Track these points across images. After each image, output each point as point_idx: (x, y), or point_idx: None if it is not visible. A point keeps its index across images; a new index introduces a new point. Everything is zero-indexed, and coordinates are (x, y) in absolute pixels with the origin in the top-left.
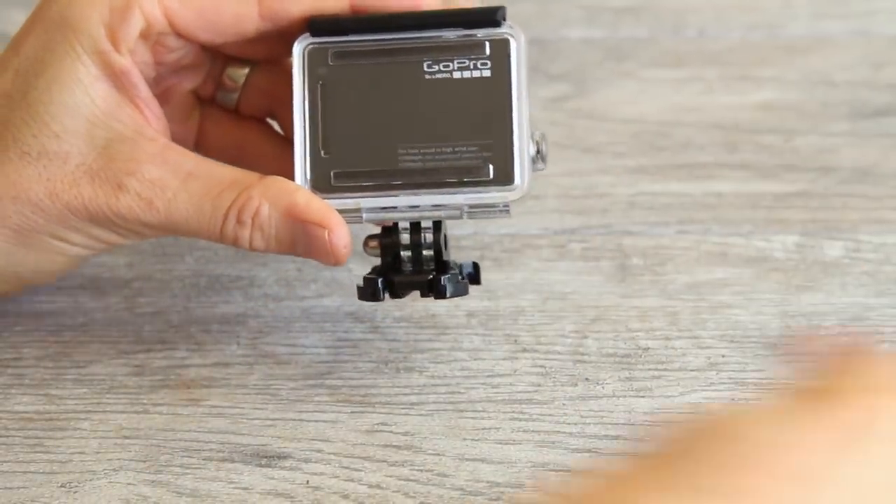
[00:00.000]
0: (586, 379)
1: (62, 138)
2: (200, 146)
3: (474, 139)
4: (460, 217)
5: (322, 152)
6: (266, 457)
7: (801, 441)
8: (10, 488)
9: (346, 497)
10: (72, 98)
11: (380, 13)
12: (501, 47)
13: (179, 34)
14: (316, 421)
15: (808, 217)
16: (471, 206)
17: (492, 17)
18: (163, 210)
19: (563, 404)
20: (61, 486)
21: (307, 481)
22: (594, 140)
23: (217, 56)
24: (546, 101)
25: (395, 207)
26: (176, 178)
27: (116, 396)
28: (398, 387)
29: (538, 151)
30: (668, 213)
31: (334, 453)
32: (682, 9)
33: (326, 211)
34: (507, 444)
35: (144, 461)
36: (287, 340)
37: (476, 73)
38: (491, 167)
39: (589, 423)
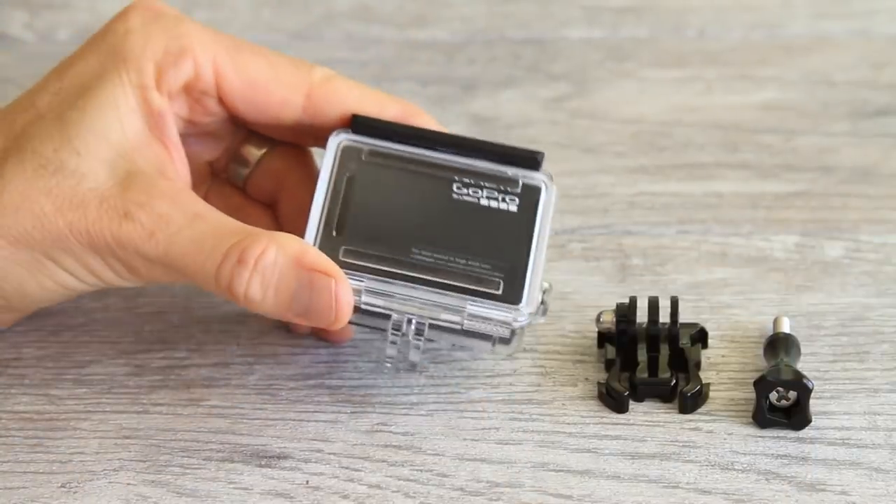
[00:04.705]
0: (586, 379)
1: (82, 157)
2: None
3: (490, 261)
4: (459, 323)
5: (334, 233)
6: (266, 457)
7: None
8: (10, 488)
9: (345, 497)
10: (103, 121)
11: (423, 128)
12: (533, 192)
13: (222, 99)
14: (316, 421)
15: (808, 217)
16: (472, 316)
17: (531, 160)
18: (163, 242)
19: (563, 404)
20: (61, 486)
21: (307, 481)
22: (594, 140)
23: (239, 131)
24: (546, 101)
25: (397, 295)
26: (183, 217)
27: (116, 396)
28: (398, 387)
29: (542, 301)
30: (668, 213)
31: (334, 453)
32: (683, 9)
33: (334, 264)
34: (507, 444)
35: (144, 461)
36: (287, 340)
37: (503, 206)
38: (501, 283)
39: (589, 424)
